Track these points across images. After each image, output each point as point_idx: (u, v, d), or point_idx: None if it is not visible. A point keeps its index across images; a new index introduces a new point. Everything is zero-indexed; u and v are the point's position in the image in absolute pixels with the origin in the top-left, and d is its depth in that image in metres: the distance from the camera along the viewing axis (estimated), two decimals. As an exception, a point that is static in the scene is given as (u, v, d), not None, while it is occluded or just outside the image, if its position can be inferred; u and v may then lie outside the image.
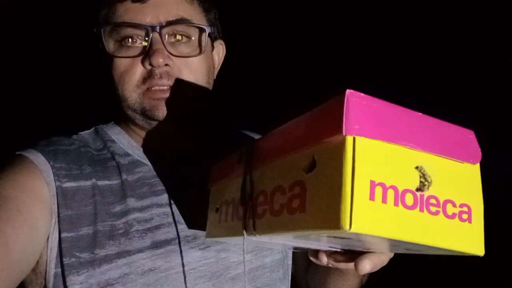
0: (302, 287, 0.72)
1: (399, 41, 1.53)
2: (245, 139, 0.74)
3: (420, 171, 0.30)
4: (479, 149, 0.33)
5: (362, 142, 0.28)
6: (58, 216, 0.53)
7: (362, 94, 0.28)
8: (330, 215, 0.27)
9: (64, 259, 0.51)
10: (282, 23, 1.61)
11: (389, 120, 0.29)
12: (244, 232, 0.39)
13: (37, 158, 0.55)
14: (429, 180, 0.30)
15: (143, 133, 0.63)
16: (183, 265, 0.56)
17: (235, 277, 0.59)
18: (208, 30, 0.61)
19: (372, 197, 0.27)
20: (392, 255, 0.39)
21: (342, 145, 0.28)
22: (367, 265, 0.36)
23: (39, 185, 0.53)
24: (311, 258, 0.43)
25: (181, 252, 0.56)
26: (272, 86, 1.60)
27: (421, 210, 0.29)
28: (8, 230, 0.47)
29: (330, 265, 0.42)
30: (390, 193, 0.28)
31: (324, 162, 0.30)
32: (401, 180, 0.29)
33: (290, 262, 0.69)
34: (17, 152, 0.56)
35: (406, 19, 1.52)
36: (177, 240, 0.56)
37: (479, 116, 1.31)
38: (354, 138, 0.28)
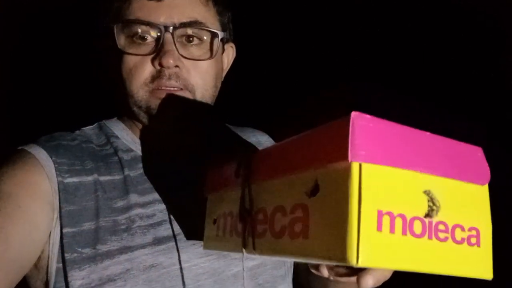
0: (304, 286, 0.73)
1: (399, 41, 1.53)
2: (246, 135, 0.75)
3: (428, 195, 0.28)
4: (488, 169, 0.32)
5: (369, 169, 0.26)
6: (60, 212, 0.53)
7: (368, 116, 0.27)
8: (336, 246, 0.26)
9: (66, 255, 0.51)
10: (282, 23, 1.61)
11: (396, 143, 0.28)
12: (244, 250, 0.38)
13: (39, 153, 0.55)
14: (438, 205, 0.29)
15: (146, 130, 0.63)
16: (180, 261, 0.55)
17: (237, 274, 0.59)
18: (220, 35, 0.61)
19: (379, 228, 0.26)
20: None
21: (347, 172, 0.26)
22: (370, 281, 0.36)
23: (41, 180, 0.53)
24: (312, 270, 0.43)
25: (178, 248, 0.56)
26: (272, 86, 1.60)
27: (430, 237, 0.28)
28: (9, 227, 0.47)
29: (331, 278, 0.42)
30: (398, 222, 0.27)
31: (329, 188, 0.28)
32: (409, 207, 0.27)
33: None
34: (19, 147, 0.56)
35: (406, 19, 1.52)
36: (178, 236, 0.56)
37: (479, 116, 1.31)
38: (360, 165, 0.26)
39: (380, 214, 0.26)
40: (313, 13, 1.63)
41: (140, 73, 0.58)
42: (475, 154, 0.32)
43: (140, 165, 0.60)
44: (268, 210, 0.35)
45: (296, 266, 0.70)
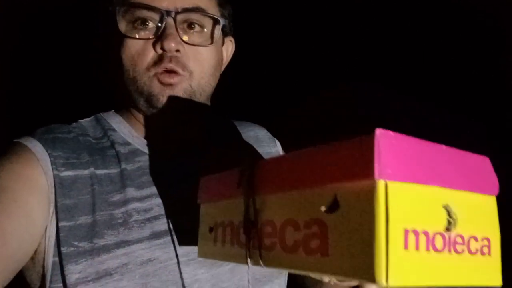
0: (298, 282, 0.73)
1: (399, 41, 1.53)
2: (244, 129, 0.74)
3: (446, 209, 0.29)
4: (497, 179, 0.32)
5: (394, 187, 0.26)
6: (56, 205, 0.52)
7: (391, 133, 0.27)
8: (362, 265, 0.26)
9: (62, 248, 0.51)
10: (282, 22, 1.61)
11: (417, 159, 0.28)
12: (249, 261, 0.38)
13: (35, 147, 0.54)
14: (455, 218, 0.29)
15: (144, 123, 0.63)
16: (177, 256, 0.55)
17: (234, 268, 0.59)
18: (222, 22, 0.62)
19: (406, 246, 0.26)
20: None
21: (372, 190, 0.26)
22: (374, 285, 0.36)
23: (37, 174, 0.53)
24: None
25: (175, 243, 0.56)
26: (272, 86, 1.59)
27: (449, 251, 0.28)
28: (5, 221, 0.47)
29: (332, 283, 0.41)
30: (422, 239, 0.27)
31: (351, 205, 0.28)
32: (431, 222, 0.28)
33: None
34: (15, 140, 0.56)
35: (406, 19, 1.52)
36: (175, 231, 0.56)
37: (479, 116, 1.31)
38: (385, 183, 0.26)
39: (406, 233, 0.26)
40: (313, 13, 1.63)
41: (143, 58, 0.58)
42: (483, 164, 0.32)
43: (138, 158, 0.60)
44: (277, 223, 0.35)
45: None
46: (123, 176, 0.57)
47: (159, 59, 0.57)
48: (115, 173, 0.57)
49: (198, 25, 0.60)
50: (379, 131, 0.26)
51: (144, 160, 0.60)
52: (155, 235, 0.55)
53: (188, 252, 0.56)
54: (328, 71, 1.53)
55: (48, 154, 0.54)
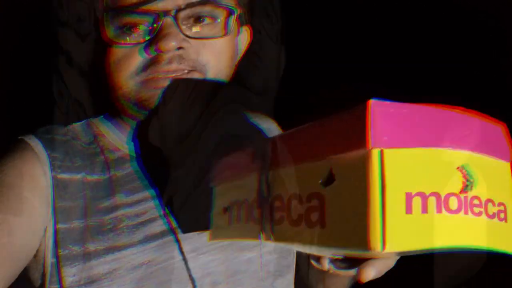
0: (303, 277, 0.72)
1: (400, 41, 1.52)
2: (259, 121, 0.74)
3: (462, 171, 0.29)
4: (510, 144, 0.33)
5: (392, 154, 0.26)
6: (54, 207, 0.54)
7: (386, 103, 0.27)
8: (356, 234, 0.26)
9: (59, 250, 0.53)
10: (285, 21, 1.61)
11: (421, 124, 0.28)
12: (261, 235, 0.38)
13: (37, 146, 0.56)
14: (471, 180, 0.29)
15: (137, 126, 0.62)
16: (183, 253, 0.55)
17: (251, 259, 0.58)
18: (236, 12, 0.58)
19: (409, 211, 0.26)
20: (398, 257, 0.39)
21: (364, 158, 0.26)
22: (372, 272, 0.36)
23: (38, 174, 0.54)
24: (313, 262, 0.42)
25: (178, 241, 0.56)
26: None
27: (466, 212, 0.28)
28: (11, 219, 0.48)
29: (331, 272, 0.41)
30: (431, 201, 0.27)
31: (345, 177, 0.28)
32: (443, 184, 0.27)
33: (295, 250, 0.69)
34: (19, 137, 0.58)
35: (407, 19, 1.52)
36: (178, 230, 0.56)
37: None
38: (381, 151, 0.26)
39: (409, 197, 0.26)
40: (314, 12, 1.62)
41: (128, 64, 0.54)
42: (498, 131, 0.33)
43: (127, 164, 0.60)
44: (285, 197, 0.36)
45: (297, 259, 0.70)
46: (112, 183, 0.57)
47: (151, 63, 0.54)
48: (103, 179, 0.58)
49: (208, 17, 0.57)
50: (373, 102, 0.27)
51: (135, 165, 0.60)
52: (149, 238, 0.55)
53: (195, 248, 0.56)
54: (330, 71, 1.53)
55: (48, 154, 0.55)
